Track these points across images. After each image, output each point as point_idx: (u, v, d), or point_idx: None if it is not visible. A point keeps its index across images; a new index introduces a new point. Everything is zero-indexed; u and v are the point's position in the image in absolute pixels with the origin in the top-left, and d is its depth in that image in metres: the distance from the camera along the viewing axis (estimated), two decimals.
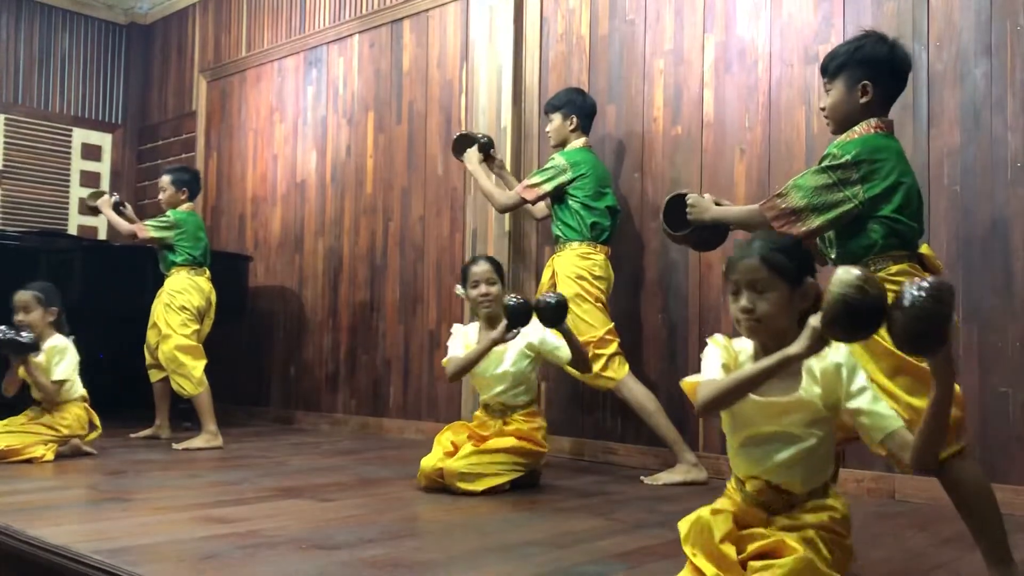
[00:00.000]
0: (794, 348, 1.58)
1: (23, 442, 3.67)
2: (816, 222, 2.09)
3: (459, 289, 3.47)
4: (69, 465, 3.68)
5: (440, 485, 3.11)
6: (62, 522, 2.48)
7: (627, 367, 3.62)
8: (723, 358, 1.76)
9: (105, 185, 7.07)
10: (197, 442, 4.27)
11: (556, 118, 3.86)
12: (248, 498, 2.95)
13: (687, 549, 1.69)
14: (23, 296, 3.88)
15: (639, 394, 3.59)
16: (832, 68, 2.22)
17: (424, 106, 5.03)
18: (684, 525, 1.72)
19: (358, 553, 2.19)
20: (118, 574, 1.94)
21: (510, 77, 4.49)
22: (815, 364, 1.71)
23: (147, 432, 4.62)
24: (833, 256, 2.18)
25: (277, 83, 5.98)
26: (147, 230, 4.47)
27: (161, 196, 4.64)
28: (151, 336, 4.52)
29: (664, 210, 2.49)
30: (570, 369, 3.47)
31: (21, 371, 3.79)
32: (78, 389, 3.93)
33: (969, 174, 3.16)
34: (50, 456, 3.71)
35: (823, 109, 2.26)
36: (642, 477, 3.53)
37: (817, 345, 1.57)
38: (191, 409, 4.56)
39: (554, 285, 3.67)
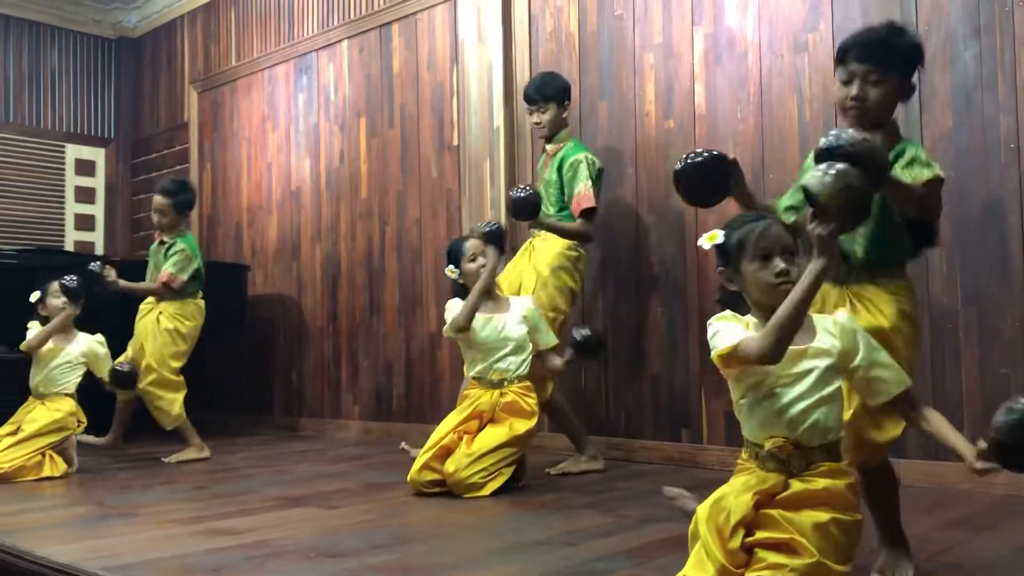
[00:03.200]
0: (817, 262, 1.64)
1: (30, 459, 3.68)
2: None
3: (452, 270, 3.41)
4: (75, 482, 3.68)
5: (433, 491, 3.13)
6: (70, 540, 2.48)
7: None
8: (737, 322, 1.77)
9: (100, 199, 7.07)
10: (188, 454, 4.26)
11: (552, 108, 3.75)
12: (254, 508, 2.95)
13: (702, 529, 1.68)
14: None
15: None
16: (889, 59, 2.00)
17: (416, 109, 5.03)
18: (704, 508, 1.72)
19: (367, 559, 2.19)
20: None
21: (501, 77, 4.48)
22: (828, 321, 1.78)
23: (101, 440, 4.40)
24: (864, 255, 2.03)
25: (268, 92, 5.98)
26: (176, 277, 4.25)
27: (161, 220, 4.36)
28: (132, 353, 4.33)
29: (696, 170, 2.06)
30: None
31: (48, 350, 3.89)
32: (74, 384, 3.94)
33: (963, 157, 3.16)
34: (58, 472, 3.73)
35: (857, 99, 2.00)
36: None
37: (829, 245, 1.63)
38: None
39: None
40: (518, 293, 3.67)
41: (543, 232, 3.69)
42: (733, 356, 1.71)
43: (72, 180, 6.98)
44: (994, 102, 3.11)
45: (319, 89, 5.61)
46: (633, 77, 4.08)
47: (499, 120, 4.47)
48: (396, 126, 5.14)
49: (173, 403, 4.27)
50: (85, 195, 7.04)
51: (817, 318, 1.80)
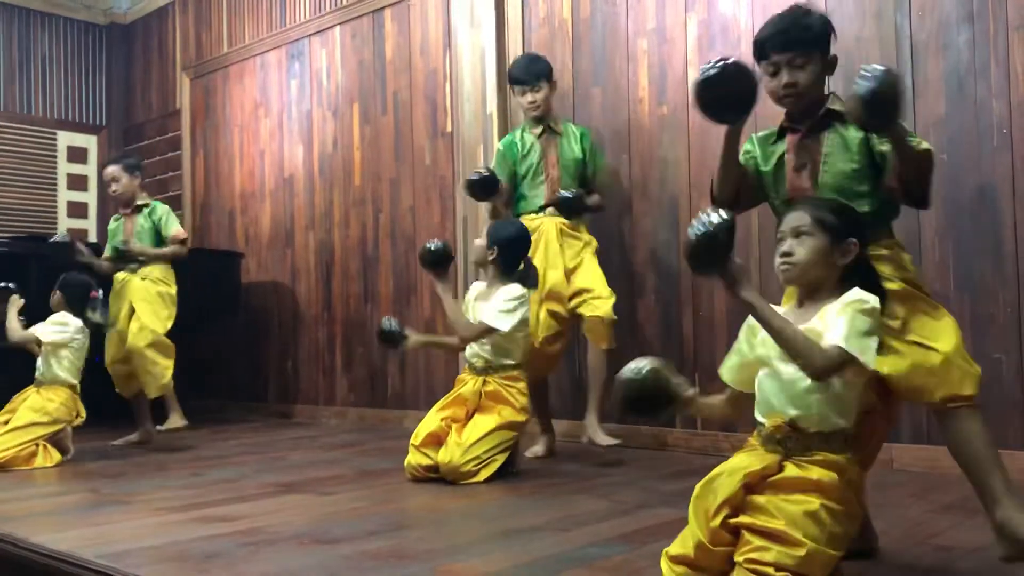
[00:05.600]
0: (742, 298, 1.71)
1: (24, 449, 3.67)
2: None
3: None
4: (69, 470, 3.67)
5: (428, 476, 3.13)
6: (64, 528, 2.48)
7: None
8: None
9: (93, 186, 7.03)
10: (173, 422, 4.25)
11: (545, 87, 3.76)
12: (249, 495, 2.96)
13: (691, 506, 1.71)
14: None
15: None
16: (809, 39, 2.05)
17: (409, 95, 5.01)
18: (699, 486, 1.73)
19: (360, 546, 2.20)
20: None
21: (494, 63, 4.46)
22: (831, 304, 1.76)
23: (133, 437, 4.38)
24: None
25: (260, 78, 5.95)
26: (180, 232, 4.36)
27: (117, 188, 4.36)
28: (123, 331, 4.23)
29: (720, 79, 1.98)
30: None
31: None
32: (74, 375, 3.94)
33: (956, 142, 3.16)
34: (51, 463, 3.71)
35: (789, 85, 2.06)
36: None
37: (728, 288, 1.71)
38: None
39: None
40: (570, 278, 3.66)
41: (560, 216, 3.70)
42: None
43: (64, 167, 6.95)
44: (986, 88, 3.11)
45: (311, 75, 5.59)
46: (626, 63, 4.07)
47: (492, 106, 4.46)
48: (389, 113, 5.12)
49: (166, 371, 4.20)
50: (77, 182, 7.00)
51: (830, 304, 1.75)
